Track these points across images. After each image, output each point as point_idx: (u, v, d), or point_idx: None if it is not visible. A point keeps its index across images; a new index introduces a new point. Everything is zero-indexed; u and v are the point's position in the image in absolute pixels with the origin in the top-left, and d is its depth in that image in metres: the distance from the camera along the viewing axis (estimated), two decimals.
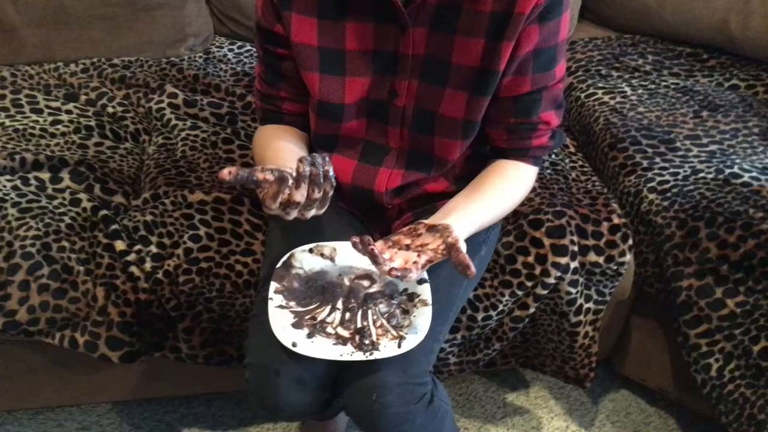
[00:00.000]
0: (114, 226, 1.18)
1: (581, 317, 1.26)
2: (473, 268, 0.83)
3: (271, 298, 0.94)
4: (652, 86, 1.56)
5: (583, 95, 1.55)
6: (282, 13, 0.97)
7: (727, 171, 1.28)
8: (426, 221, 0.92)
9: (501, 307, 1.22)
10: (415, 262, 0.86)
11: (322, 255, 0.99)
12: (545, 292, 1.21)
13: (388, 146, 1.05)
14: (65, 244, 1.15)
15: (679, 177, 1.30)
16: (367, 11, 0.95)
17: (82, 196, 1.23)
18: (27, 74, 1.56)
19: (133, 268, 1.15)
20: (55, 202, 1.22)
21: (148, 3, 1.58)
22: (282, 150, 1.02)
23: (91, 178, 1.27)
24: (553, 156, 1.42)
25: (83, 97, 1.49)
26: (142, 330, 1.17)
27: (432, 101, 0.99)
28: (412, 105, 1.00)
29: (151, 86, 1.54)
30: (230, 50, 1.71)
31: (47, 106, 1.45)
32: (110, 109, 1.47)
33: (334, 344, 0.91)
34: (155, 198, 1.24)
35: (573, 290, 1.22)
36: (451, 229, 0.88)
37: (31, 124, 1.39)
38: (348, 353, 0.90)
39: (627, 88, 1.55)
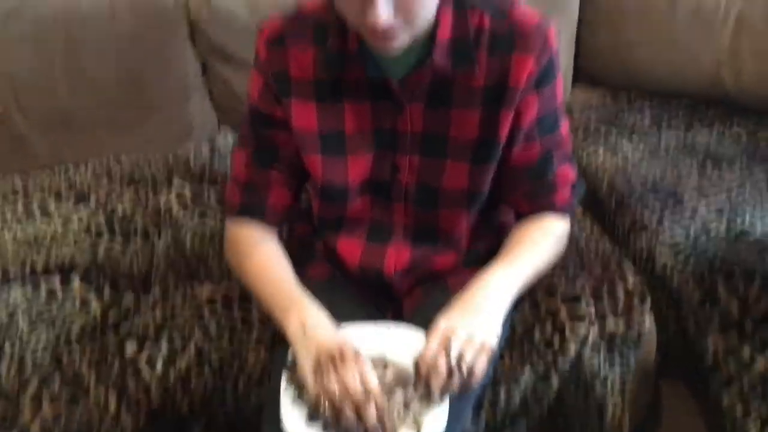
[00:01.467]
0: (124, 329, 1.18)
1: (607, 388, 1.21)
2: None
3: (282, 393, 0.92)
4: (653, 142, 1.56)
5: (584, 159, 1.55)
6: (281, 99, 0.99)
7: (739, 224, 1.27)
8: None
9: (523, 384, 1.18)
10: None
11: None
12: (566, 365, 1.18)
13: (394, 223, 1.05)
14: (76, 350, 1.14)
15: (691, 233, 1.28)
16: (363, 92, 0.96)
17: (93, 299, 1.23)
18: (38, 180, 1.59)
19: (144, 372, 1.13)
20: (66, 308, 1.22)
21: (150, 103, 1.62)
22: (288, 272, 1.01)
23: (101, 281, 1.27)
24: None
25: (93, 199, 1.52)
26: None
27: (434, 175, 0.99)
28: (415, 180, 1.01)
29: (159, 181, 1.56)
30: (235, 140, 1.73)
31: (58, 211, 1.47)
32: (119, 208, 1.49)
33: None
34: (165, 296, 1.24)
35: (595, 360, 1.18)
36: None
37: (42, 231, 1.41)
38: None
39: (628, 147, 1.55)
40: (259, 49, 1.00)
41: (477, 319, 0.89)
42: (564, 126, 1.01)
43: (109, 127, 1.63)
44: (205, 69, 1.70)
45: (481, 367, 0.86)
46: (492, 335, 0.89)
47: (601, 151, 1.55)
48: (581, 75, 1.79)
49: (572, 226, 1.38)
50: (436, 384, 0.85)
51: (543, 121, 0.97)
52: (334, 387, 0.84)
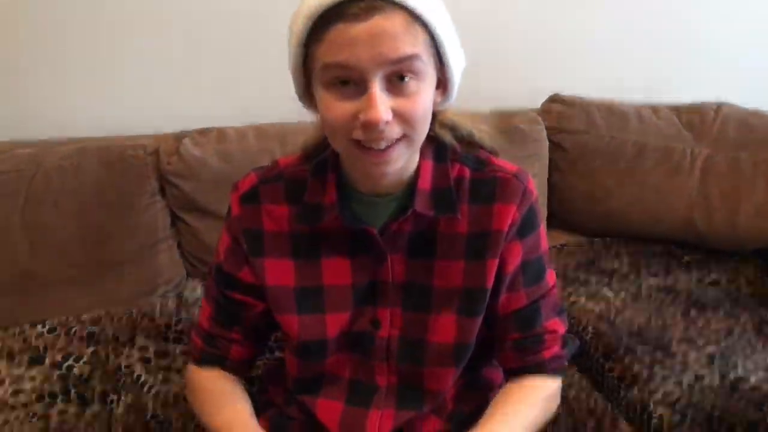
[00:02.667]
0: None
1: None
2: None
3: None
4: (634, 288, 1.54)
5: (566, 305, 1.52)
6: (252, 259, 0.95)
7: (732, 375, 1.22)
8: None
9: None
10: None
11: None
12: None
13: (376, 384, 0.98)
14: None
15: (684, 386, 1.23)
16: (342, 244, 0.93)
17: None
18: None
19: None
20: None
21: (116, 258, 1.56)
22: (240, 411, 0.97)
23: None
24: None
25: (48, 360, 1.41)
26: None
27: (418, 329, 0.94)
28: (398, 335, 0.95)
29: (121, 340, 1.47)
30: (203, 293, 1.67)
31: (8, 375, 1.36)
32: (76, 371, 1.39)
33: None
34: None
35: None
36: None
37: None
38: None
39: (609, 293, 1.53)
40: (232, 205, 0.98)
41: None
42: (550, 276, 0.98)
43: (70, 285, 1.55)
44: (174, 221, 1.66)
45: None
46: None
47: (582, 298, 1.52)
48: (556, 221, 1.81)
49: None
50: None
51: (527, 270, 0.94)
52: None
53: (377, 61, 0.76)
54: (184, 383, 1.31)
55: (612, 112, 1.76)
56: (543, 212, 0.98)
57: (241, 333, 1.00)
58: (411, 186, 0.91)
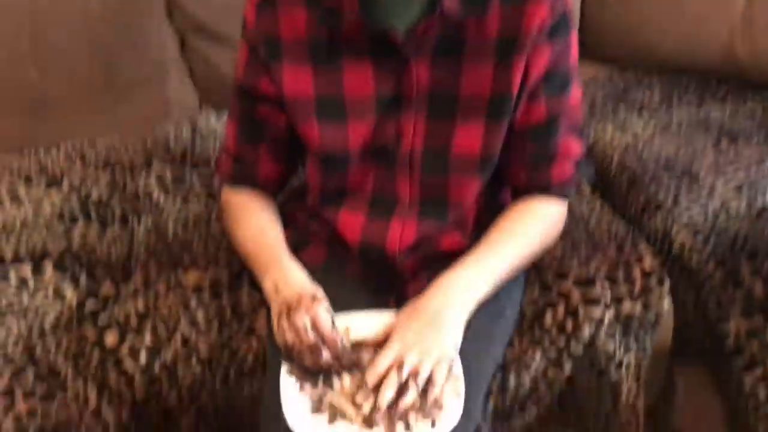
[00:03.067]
0: (103, 319, 1.08)
1: (622, 372, 1.14)
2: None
3: (282, 383, 0.83)
4: (664, 120, 1.49)
5: (592, 136, 1.48)
6: (271, 65, 0.92)
7: (760, 202, 1.20)
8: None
9: (533, 369, 1.11)
10: None
11: None
12: (580, 348, 1.10)
13: (398, 197, 0.97)
14: (51, 342, 1.04)
15: (709, 212, 1.21)
16: (364, 48, 0.89)
17: (67, 288, 1.13)
18: (5, 163, 1.48)
19: (127, 364, 1.04)
20: (38, 298, 1.12)
21: (126, 82, 1.53)
22: (275, 236, 0.98)
23: (76, 269, 1.17)
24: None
25: (66, 183, 1.41)
26: (142, 430, 1.05)
27: (443, 138, 0.92)
28: (421, 146, 0.93)
29: (137, 167, 1.46)
30: (218, 122, 1.64)
31: (28, 196, 1.37)
32: (95, 194, 1.39)
33: (360, 429, 0.80)
34: (147, 284, 1.14)
35: (611, 344, 1.11)
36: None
37: (12, 218, 1.31)
38: None
39: (638, 124, 1.48)
40: (247, 14, 0.93)
41: (432, 335, 0.85)
42: (575, 93, 0.94)
43: (82, 109, 1.53)
44: (183, 46, 1.60)
45: (440, 377, 0.82)
46: (450, 347, 0.85)
47: (609, 128, 1.47)
48: (586, 50, 1.70)
49: (581, 205, 1.33)
50: (384, 400, 0.80)
51: (551, 78, 0.90)
52: (288, 335, 0.82)
53: None
54: (203, 208, 1.33)
55: None
56: (575, 23, 0.93)
57: (268, 150, 0.98)
58: None
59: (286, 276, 0.91)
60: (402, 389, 0.80)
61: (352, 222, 0.98)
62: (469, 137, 0.91)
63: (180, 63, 1.60)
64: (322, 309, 0.85)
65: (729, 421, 1.26)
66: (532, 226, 0.96)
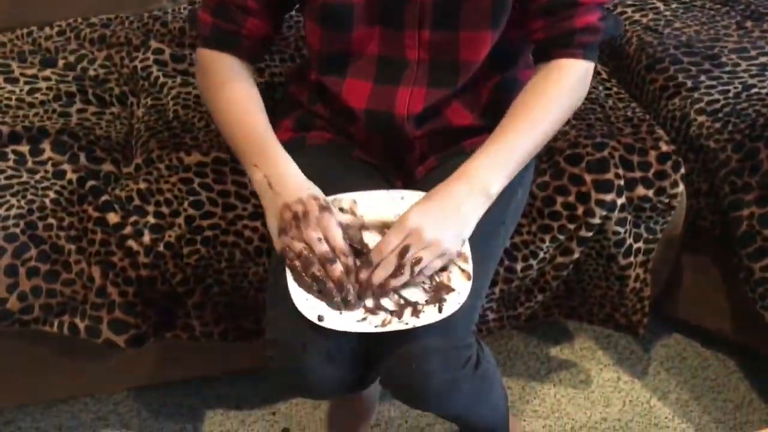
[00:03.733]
0: (105, 198, 1.06)
1: (631, 258, 1.14)
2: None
3: (288, 264, 0.82)
4: None
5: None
6: None
7: None
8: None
9: (542, 254, 1.10)
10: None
11: (341, 210, 0.86)
12: (590, 234, 1.09)
13: (407, 59, 0.91)
14: (52, 221, 1.03)
15: (730, 95, 1.16)
16: None
17: (67, 167, 1.10)
18: None
19: (131, 242, 1.02)
20: (37, 176, 1.09)
21: None
22: (262, 119, 0.90)
23: (75, 147, 1.14)
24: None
25: (61, 62, 1.35)
26: (147, 309, 1.06)
27: None
28: None
29: (134, 44, 1.40)
30: None
31: (23, 74, 1.31)
32: (92, 72, 1.34)
33: (364, 314, 0.79)
34: (148, 163, 1.11)
35: (621, 229, 1.10)
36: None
37: (6, 95, 1.26)
38: (382, 323, 0.78)
39: (659, 3, 1.40)
40: None
41: (448, 223, 0.82)
42: None
43: None
44: None
45: (432, 267, 0.81)
46: (458, 243, 0.83)
47: (630, 9, 1.39)
48: None
49: (597, 87, 1.27)
50: (376, 278, 0.79)
51: None
52: (297, 246, 0.79)
53: None
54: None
55: None
56: None
57: (258, 1, 0.90)
58: None
59: (280, 172, 0.85)
60: (396, 271, 0.79)
61: (358, 89, 0.93)
62: None
63: None
64: (334, 221, 0.81)
65: (735, 312, 1.26)
66: (557, 99, 0.88)
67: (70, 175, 1.09)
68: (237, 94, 0.91)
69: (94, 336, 1.04)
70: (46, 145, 1.13)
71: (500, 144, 0.86)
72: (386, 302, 0.80)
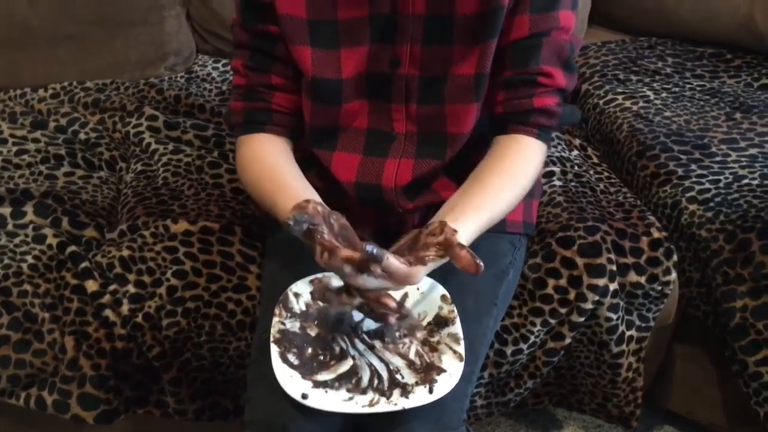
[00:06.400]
0: (84, 264, 1.02)
1: (623, 347, 1.11)
2: (481, 263, 0.73)
3: (273, 341, 0.79)
4: (676, 89, 1.44)
5: (601, 102, 1.43)
6: None
7: None
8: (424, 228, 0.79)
9: (532, 338, 1.07)
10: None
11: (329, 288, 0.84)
12: (582, 319, 1.07)
13: (395, 131, 0.92)
14: (27, 287, 0.99)
15: (721, 185, 1.17)
16: None
17: (48, 231, 1.07)
18: None
19: (108, 312, 0.99)
20: (17, 240, 1.06)
21: (121, 20, 1.45)
22: (292, 179, 0.89)
23: (58, 211, 1.11)
24: (576, 167, 1.29)
25: (52, 124, 1.35)
26: (120, 384, 1.01)
27: (440, 63, 0.88)
28: (418, 73, 0.89)
29: (128, 109, 1.40)
30: (214, 68, 1.58)
31: (12, 135, 1.31)
32: (82, 136, 1.33)
33: (350, 393, 0.76)
34: (133, 230, 1.09)
35: (613, 316, 1.07)
36: (445, 225, 0.76)
37: None
38: (369, 402, 0.75)
39: (649, 92, 1.42)
40: None
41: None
42: (564, 14, 0.87)
43: (72, 46, 1.45)
44: None
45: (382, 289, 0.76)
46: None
47: (620, 96, 1.42)
48: (598, 16, 1.66)
49: (588, 171, 1.28)
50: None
51: None
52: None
53: None
54: (195, 155, 1.27)
55: None
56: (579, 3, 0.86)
57: (279, 74, 0.91)
58: None
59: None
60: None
61: (347, 162, 0.93)
62: (464, 59, 0.87)
63: (179, 6, 1.52)
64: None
65: (727, 405, 1.23)
66: (513, 163, 0.89)
67: (50, 240, 1.06)
68: (273, 164, 0.91)
69: (62, 411, 0.99)
70: (28, 208, 1.11)
71: (457, 215, 0.83)
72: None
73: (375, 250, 0.70)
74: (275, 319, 0.81)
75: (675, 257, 1.09)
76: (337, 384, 0.77)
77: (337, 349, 0.81)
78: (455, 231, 0.76)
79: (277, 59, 0.90)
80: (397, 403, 0.75)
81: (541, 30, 0.86)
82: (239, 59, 0.93)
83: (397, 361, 0.80)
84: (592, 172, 1.29)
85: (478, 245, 0.81)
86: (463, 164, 0.95)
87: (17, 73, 1.45)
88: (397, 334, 0.83)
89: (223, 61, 1.60)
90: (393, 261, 0.72)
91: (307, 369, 0.78)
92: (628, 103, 1.39)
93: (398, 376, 0.78)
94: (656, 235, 1.10)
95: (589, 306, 1.05)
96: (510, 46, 0.87)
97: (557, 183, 1.22)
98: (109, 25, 1.44)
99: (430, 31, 0.87)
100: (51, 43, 1.43)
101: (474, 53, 0.86)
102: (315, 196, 0.84)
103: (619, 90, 1.44)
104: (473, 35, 0.86)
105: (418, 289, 0.87)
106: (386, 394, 0.76)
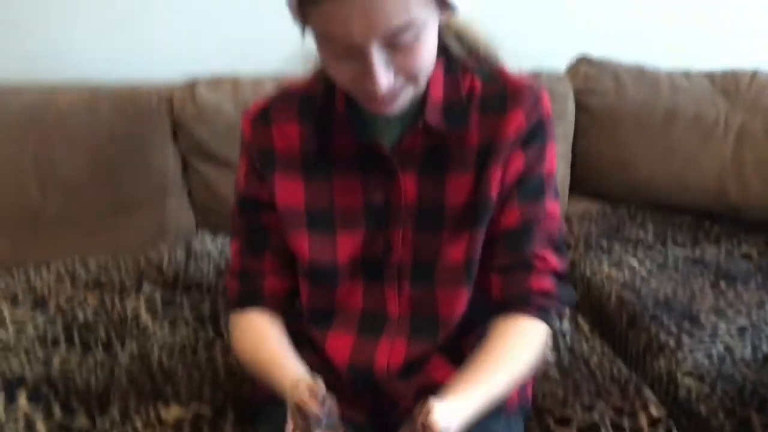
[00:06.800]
0: None
1: None
2: None
3: None
4: (660, 258, 1.48)
5: (588, 272, 1.47)
6: (266, 176, 0.93)
7: (765, 347, 1.17)
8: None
9: None
10: None
11: None
12: None
13: (388, 313, 0.94)
14: None
15: (714, 358, 1.18)
16: (353, 161, 0.90)
17: (39, 419, 1.06)
18: None
19: None
20: (7, 430, 1.04)
21: (126, 202, 1.52)
22: (283, 351, 0.91)
23: (51, 397, 1.11)
24: (568, 340, 1.30)
25: (53, 304, 1.37)
26: None
27: (430, 249, 0.91)
28: (410, 258, 0.92)
29: (127, 287, 1.43)
30: (213, 245, 1.62)
31: (12, 317, 1.32)
32: (81, 317, 1.35)
33: None
34: (124, 417, 1.08)
35: None
36: (429, 409, 0.74)
37: None
38: None
39: (634, 262, 1.47)
40: (244, 129, 0.96)
41: None
42: (551, 204, 0.92)
43: (78, 227, 1.52)
44: (185, 167, 1.61)
45: None
46: None
47: (605, 265, 1.46)
48: (579, 186, 1.75)
49: (581, 344, 1.29)
50: None
51: (525, 184, 0.90)
52: None
53: (371, 34, 0.72)
54: (191, 334, 1.28)
55: (642, 75, 1.69)
56: (554, 134, 0.92)
57: (272, 262, 0.96)
58: (422, 99, 0.87)
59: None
60: None
61: (341, 343, 0.94)
62: (454, 247, 0.90)
63: (180, 185, 1.61)
64: None
65: None
66: (512, 346, 0.89)
67: (40, 429, 1.05)
68: (269, 354, 0.92)
69: None
70: (21, 396, 1.10)
71: (458, 394, 0.83)
72: None
73: None
74: None
75: None
76: None
77: None
78: (434, 415, 0.74)
79: (271, 247, 0.95)
80: None
81: (530, 218, 0.90)
82: (236, 243, 0.98)
83: None
84: (584, 344, 1.30)
85: (472, 428, 0.81)
86: (456, 346, 0.96)
87: (23, 253, 1.50)
88: None
89: (222, 238, 1.65)
90: None
91: None
92: (614, 273, 1.43)
93: None
94: (654, 412, 1.09)
95: None
96: (503, 233, 0.91)
97: (549, 356, 1.22)
98: (115, 208, 1.51)
99: (421, 219, 0.91)
100: (58, 226, 1.50)
101: (463, 240, 0.90)
102: (307, 375, 0.85)
103: (604, 260, 1.49)
104: (463, 223, 0.90)
105: None
106: None
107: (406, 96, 0.82)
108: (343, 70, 0.78)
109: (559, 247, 0.94)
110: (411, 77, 0.79)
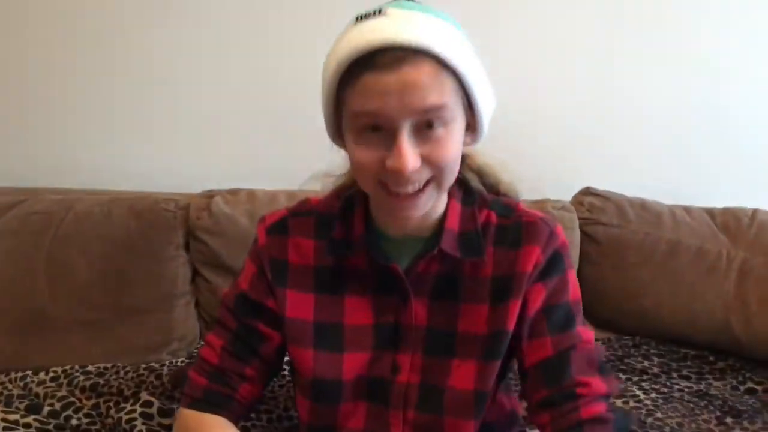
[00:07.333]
0: None
1: None
2: None
3: None
4: (665, 390, 1.46)
5: None
6: (275, 287, 0.93)
7: None
8: None
9: None
10: None
11: None
12: None
13: None
14: None
15: None
16: (367, 282, 0.92)
17: None
18: None
19: None
20: None
21: (133, 307, 1.53)
22: None
23: None
24: None
25: (47, 409, 1.34)
26: None
27: (439, 375, 0.90)
28: (418, 381, 0.91)
29: (125, 394, 1.40)
30: None
31: (4, 419, 1.29)
32: (74, 422, 1.32)
33: None
34: None
35: None
36: None
37: None
38: None
39: (639, 392, 1.45)
40: (259, 236, 0.97)
41: None
42: (583, 329, 0.92)
43: (83, 330, 1.52)
44: (194, 277, 1.63)
45: None
46: None
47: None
48: (584, 314, 1.72)
49: None
50: None
51: (552, 316, 0.90)
52: None
53: (405, 111, 0.77)
54: None
55: (644, 208, 1.74)
56: (571, 262, 0.93)
57: (256, 369, 0.95)
58: (438, 227, 0.90)
59: None
60: None
61: None
62: (464, 374, 0.90)
63: (189, 293, 1.62)
64: None
65: None
66: None
67: None
68: None
69: None
70: None
71: None
72: None
73: None
74: None
75: None
76: None
77: None
78: None
79: (258, 355, 0.95)
80: None
81: (565, 347, 0.89)
82: (219, 338, 0.96)
83: None
84: None
85: None
86: None
87: (25, 357, 1.49)
88: None
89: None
90: None
91: None
92: (619, 403, 1.41)
93: None
94: None
95: None
96: (537, 367, 0.89)
97: None
98: (122, 312, 1.52)
99: (431, 342, 0.91)
100: (63, 329, 1.50)
101: (474, 369, 0.90)
102: None
103: None
104: (476, 353, 0.90)
105: None
106: None
107: (429, 200, 0.84)
108: (371, 152, 0.80)
109: (602, 369, 0.91)
110: (436, 169, 0.81)
